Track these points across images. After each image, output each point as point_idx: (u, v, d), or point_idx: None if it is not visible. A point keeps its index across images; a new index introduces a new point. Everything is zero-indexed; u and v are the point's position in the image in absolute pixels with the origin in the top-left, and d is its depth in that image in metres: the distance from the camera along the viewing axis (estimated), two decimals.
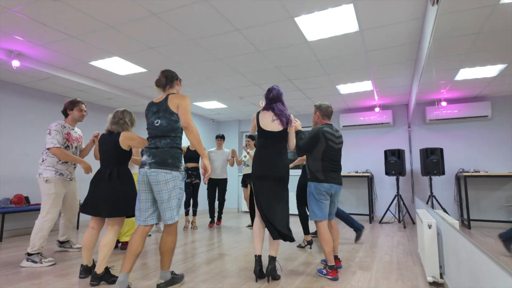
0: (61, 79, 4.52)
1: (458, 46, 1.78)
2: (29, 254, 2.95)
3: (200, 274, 2.75)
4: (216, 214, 6.10)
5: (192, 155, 5.14)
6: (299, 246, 3.83)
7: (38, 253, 2.98)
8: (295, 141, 2.85)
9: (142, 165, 2.30)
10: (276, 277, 2.59)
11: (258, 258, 2.57)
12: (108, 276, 2.49)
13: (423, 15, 2.91)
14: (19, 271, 2.83)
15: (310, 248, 3.79)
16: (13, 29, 3.20)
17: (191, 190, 5.12)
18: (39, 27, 3.15)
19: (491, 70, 1.35)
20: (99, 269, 2.45)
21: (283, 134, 2.72)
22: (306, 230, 3.84)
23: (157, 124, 2.33)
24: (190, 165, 5.12)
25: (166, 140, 2.31)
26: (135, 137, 2.67)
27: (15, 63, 3.74)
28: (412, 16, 2.93)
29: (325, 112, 2.95)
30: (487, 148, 1.45)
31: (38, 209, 4.56)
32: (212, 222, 5.46)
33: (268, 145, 2.69)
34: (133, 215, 2.56)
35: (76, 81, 4.56)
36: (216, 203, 5.83)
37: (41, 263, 2.96)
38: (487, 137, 1.45)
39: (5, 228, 4.43)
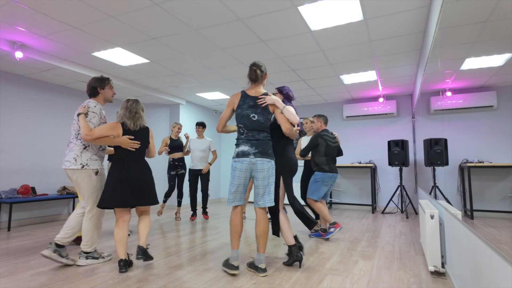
0: (64, 70, 4.52)
1: (465, 35, 1.75)
2: (87, 253, 2.76)
3: (206, 262, 2.80)
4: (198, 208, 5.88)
5: (177, 144, 5.03)
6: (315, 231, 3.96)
7: (94, 250, 2.81)
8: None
9: (244, 154, 2.49)
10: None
11: (296, 247, 2.75)
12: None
13: (429, 3, 2.85)
14: (32, 258, 2.90)
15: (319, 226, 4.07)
16: (16, 20, 3.19)
17: (175, 182, 5.01)
18: (41, 18, 3.14)
19: (497, 60, 1.34)
20: (144, 245, 2.66)
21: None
22: (317, 216, 4.31)
23: (254, 119, 2.54)
24: (177, 155, 5.03)
25: (264, 134, 2.57)
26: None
27: (18, 55, 3.75)
28: (418, 4, 2.88)
29: (325, 120, 3.89)
30: (491, 138, 1.44)
31: (45, 200, 4.60)
32: (194, 215, 5.11)
33: (291, 141, 2.90)
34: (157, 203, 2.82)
35: (79, 72, 4.56)
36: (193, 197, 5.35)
37: (103, 258, 2.84)
38: (492, 128, 1.44)
39: (12, 218, 4.50)
